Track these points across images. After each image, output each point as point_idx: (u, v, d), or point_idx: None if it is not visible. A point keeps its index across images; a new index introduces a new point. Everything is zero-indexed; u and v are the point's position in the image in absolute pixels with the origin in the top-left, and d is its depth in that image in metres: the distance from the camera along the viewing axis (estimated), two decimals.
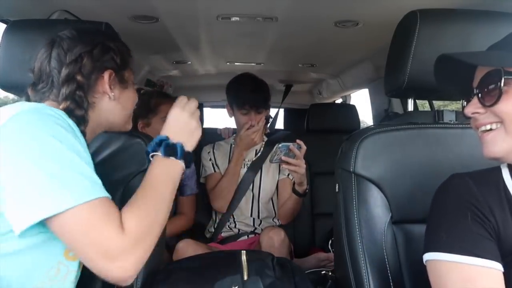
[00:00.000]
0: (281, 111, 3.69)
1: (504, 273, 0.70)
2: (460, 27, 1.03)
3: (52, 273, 0.79)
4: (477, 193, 0.74)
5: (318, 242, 2.21)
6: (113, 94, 0.93)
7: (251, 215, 1.88)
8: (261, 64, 2.48)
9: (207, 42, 1.97)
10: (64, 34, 0.90)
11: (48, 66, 0.88)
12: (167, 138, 0.90)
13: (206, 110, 3.86)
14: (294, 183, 1.74)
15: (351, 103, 3.22)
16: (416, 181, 1.01)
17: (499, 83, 0.70)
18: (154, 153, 0.89)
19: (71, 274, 0.83)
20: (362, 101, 2.93)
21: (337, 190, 1.10)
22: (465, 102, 0.82)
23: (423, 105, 2.55)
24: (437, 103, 2.29)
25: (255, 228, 1.87)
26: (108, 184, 0.83)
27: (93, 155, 1.04)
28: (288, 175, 1.86)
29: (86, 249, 0.71)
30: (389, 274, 0.98)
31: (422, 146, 1.04)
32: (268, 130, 2.85)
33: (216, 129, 2.49)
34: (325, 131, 2.40)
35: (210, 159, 1.94)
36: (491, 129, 0.74)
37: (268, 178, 1.90)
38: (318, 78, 3.06)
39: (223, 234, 1.89)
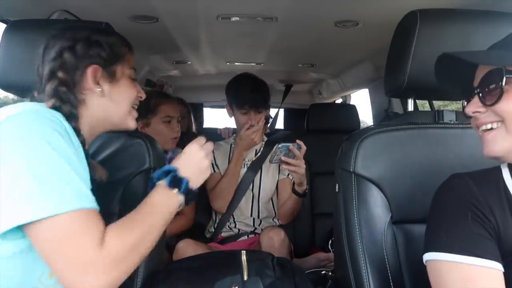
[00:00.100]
0: (281, 111, 3.69)
1: (504, 273, 0.69)
2: (460, 27, 1.03)
3: (44, 277, 0.78)
4: (477, 193, 0.74)
5: (318, 242, 2.21)
6: (99, 90, 0.90)
7: (251, 215, 1.88)
8: (261, 64, 2.49)
9: (207, 42, 1.97)
10: (51, 32, 0.90)
11: (41, 66, 0.89)
12: (176, 170, 0.90)
13: (206, 110, 3.86)
14: (294, 183, 1.75)
15: (351, 103, 3.22)
16: (416, 181, 1.01)
17: (500, 82, 0.70)
18: (160, 181, 0.89)
19: None
20: (362, 101, 2.94)
21: (337, 190, 1.10)
22: (465, 102, 0.82)
23: (423, 105, 2.55)
24: (437, 103, 2.29)
25: (255, 228, 1.87)
26: (108, 184, 0.83)
27: (93, 155, 1.05)
28: (288, 175, 1.86)
29: (59, 261, 0.69)
30: (389, 274, 0.98)
31: (422, 146, 1.04)
32: (268, 130, 2.85)
33: (216, 129, 2.50)
34: (325, 131, 2.40)
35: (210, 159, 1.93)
36: (492, 128, 0.74)
37: (268, 178, 1.90)
38: (318, 78, 3.06)
39: (223, 234, 1.89)
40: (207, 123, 3.86)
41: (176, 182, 0.88)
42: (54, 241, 0.69)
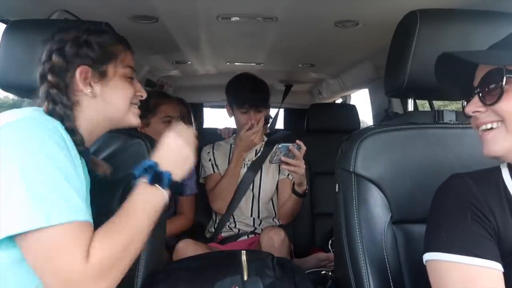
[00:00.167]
0: (281, 111, 3.69)
1: (504, 273, 0.70)
2: (460, 27, 1.03)
3: (41, 287, 0.76)
4: (477, 193, 0.74)
5: (318, 242, 2.21)
6: (89, 91, 0.88)
7: (251, 215, 1.88)
8: (261, 64, 2.48)
9: (207, 42, 1.97)
10: (49, 33, 0.89)
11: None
12: (156, 165, 0.86)
13: (206, 110, 3.86)
14: (293, 184, 1.75)
15: (351, 103, 3.22)
16: (416, 181, 1.01)
17: (500, 82, 0.70)
18: (140, 178, 0.85)
19: None
20: (362, 101, 2.93)
21: (337, 190, 1.10)
22: (465, 102, 0.82)
23: (423, 105, 2.54)
24: (437, 103, 2.29)
25: (255, 228, 1.87)
26: (108, 184, 0.83)
27: (93, 155, 1.05)
28: (288, 175, 1.86)
29: (46, 275, 0.69)
30: (389, 274, 0.98)
31: (422, 146, 1.04)
32: (268, 130, 2.85)
33: (216, 129, 2.50)
34: (325, 131, 2.40)
35: (210, 160, 1.94)
36: (491, 128, 0.74)
37: (268, 178, 1.90)
38: (318, 78, 3.06)
39: (223, 234, 1.89)
40: (207, 123, 3.85)
41: (158, 178, 0.85)
42: (42, 254, 0.68)
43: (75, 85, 0.87)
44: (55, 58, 0.86)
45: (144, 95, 1.00)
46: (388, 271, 0.98)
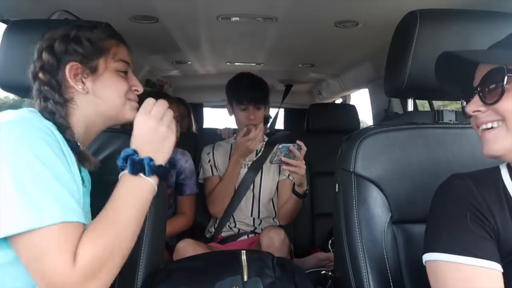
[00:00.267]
0: (281, 111, 3.69)
1: (503, 274, 0.70)
2: (460, 27, 1.03)
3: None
4: (477, 194, 0.74)
5: (318, 242, 2.21)
6: (81, 87, 0.87)
7: (251, 215, 1.88)
8: (261, 64, 2.49)
9: (207, 42, 1.97)
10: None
11: None
12: (134, 153, 0.82)
13: (206, 110, 3.86)
14: (294, 184, 1.75)
15: (351, 103, 3.22)
16: (416, 181, 1.01)
17: (502, 81, 0.70)
18: (121, 170, 0.82)
19: None
20: (362, 101, 2.94)
21: (337, 190, 1.10)
22: (464, 102, 0.82)
23: (423, 105, 2.54)
24: (437, 103, 2.29)
25: (255, 228, 1.88)
26: (108, 184, 0.83)
27: (93, 155, 1.04)
28: (288, 176, 1.87)
29: (35, 276, 0.68)
30: (389, 274, 0.98)
31: (422, 146, 1.04)
32: (268, 130, 2.85)
33: (216, 129, 2.50)
34: (325, 131, 2.40)
35: (209, 161, 1.94)
36: (492, 128, 0.74)
37: (268, 178, 1.90)
38: (318, 78, 3.07)
39: (223, 234, 1.89)
40: (207, 123, 3.86)
41: (138, 165, 0.81)
42: (32, 255, 0.67)
43: (67, 82, 0.86)
44: (45, 56, 0.85)
45: (141, 89, 0.97)
46: (388, 271, 0.98)
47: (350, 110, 2.55)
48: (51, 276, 0.66)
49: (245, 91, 1.84)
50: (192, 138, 2.41)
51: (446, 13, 1.05)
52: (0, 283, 0.73)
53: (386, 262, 0.98)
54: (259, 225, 1.88)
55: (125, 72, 0.94)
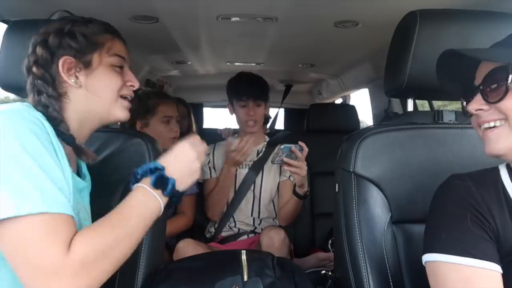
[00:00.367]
0: (281, 111, 3.69)
1: (502, 275, 0.70)
2: (460, 27, 1.03)
3: None
4: (477, 194, 0.74)
5: (318, 242, 2.21)
6: (73, 81, 0.86)
7: (251, 215, 1.88)
8: (261, 64, 2.49)
9: (207, 42, 1.97)
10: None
11: None
12: (163, 169, 0.83)
13: (206, 110, 3.86)
14: (295, 185, 1.74)
15: (351, 103, 3.22)
16: (415, 181, 1.01)
17: (506, 80, 0.69)
18: (142, 179, 0.82)
19: None
20: (362, 101, 2.94)
21: (337, 190, 1.10)
22: (464, 102, 0.82)
23: (423, 105, 2.55)
24: (437, 103, 2.29)
25: (255, 228, 1.88)
26: (108, 184, 0.83)
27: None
28: (289, 176, 1.87)
29: (20, 267, 0.66)
30: (389, 274, 0.98)
31: (422, 146, 1.04)
32: (268, 130, 2.85)
33: (216, 129, 2.50)
34: (325, 131, 2.40)
35: (209, 162, 1.94)
36: (495, 126, 0.73)
37: (269, 179, 1.90)
38: (318, 78, 3.06)
39: (223, 234, 1.89)
40: (207, 123, 3.86)
41: (162, 182, 0.82)
42: (14, 244, 0.65)
43: (60, 77, 0.86)
44: (39, 50, 0.85)
45: (136, 85, 0.96)
46: (388, 271, 0.98)
47: (350, 110, 2.55)
48: (39, 265, 0.64)
49: (245, 87, 1.87)
50: None
51: (446, 13, 1.05)
52: None
53: (386, 262, 0.98)
54: (259, 225, 1.88)
55: (121, 67, 0.93)
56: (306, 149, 1.59)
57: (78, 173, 0.93)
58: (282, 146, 1.55)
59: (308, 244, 2.21)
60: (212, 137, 2.26)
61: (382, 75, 1.15)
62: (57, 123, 0.81)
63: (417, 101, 2.08)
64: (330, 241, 2.01)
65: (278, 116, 3.36)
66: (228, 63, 2.50)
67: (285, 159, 1.57)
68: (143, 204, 0.80)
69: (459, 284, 0.69)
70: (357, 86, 2.80)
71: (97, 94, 0.89)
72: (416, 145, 1.04)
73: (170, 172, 0.84)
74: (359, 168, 1.03)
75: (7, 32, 1.10)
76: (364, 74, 2.41)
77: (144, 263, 1.00)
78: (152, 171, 0.83)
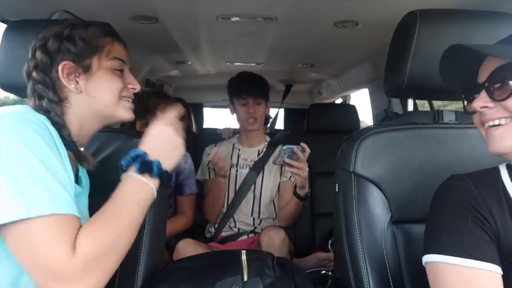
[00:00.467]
0: (281, 111, 3.69)
1: (502, 276, 0.69)
2: (460, 27, 1.03)
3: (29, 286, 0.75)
4: (477, 195, 0.73)
5: (318, 242, 2.21)
6: (73, 86, 0.86)
7: (251, 215, 1.88)
8: (261, 64, 2.49)
9: (207, 42, 1.97)
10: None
11: None
12: (145, 154, 0.83)
13: (206, 110, 3.86)
14: (295, 186, 1.74)
15: (351, 103, 3.22)
16: (415, 181, 1.01)
17: None
18: (124, 169, 0.83)
19: None
20: (362, 101, 2.94)
21: (337, 190, 1.10)
22: (465, 102, 0.81)
23: (423, 105, 2.55)
24: (437, 103, 2.29)
25: (255, 228, 1.88)
26: (108, 184, 0.83)
27: (93, 155, 1.04)
28: (290, 177, 1.87)
29: (31, 268, 0.67)
30: (389, 274, 0.98)
31: (422, 146, 1.04)
32: (268, 130, 2.85)
33: (216, 129, 2.50)
34: (325, 131, 2.40)
35: (209, 163, 1.94)
36: (499, 124, 0.72)
37: (270, 179, 1.90)
38: (318, 78, 3.06)
39: (223, 234, 1.89)
40: (207, 123, 3.86)
41: (146, 166, 0.82)
42: (25, 246, 0.66)
43: (61, 81, 0.86)
44: (38, 54, 0.85)
45: (137, 87, 0.97)
46: (388, 271, 0.98)
47: (350, 110, 2.55)
48: (49, 266, 0.66)
49: (245, 86, 1.88)
50: (192, 138, 2.41)
51: (446, 13, 1.05)
52: None
53: (386, 262, 0.98)
54: (259, 224, 1.88)
55: (121, 70, 0.93)
56: (308, 150, 1.59)
57: (76, 178, 0.93)
58: (284, 147, 1.55)
59: (308, 244, 2.21)
60: (212, 137, 2.26)
61: (382, 75, 1.15)
62: (59, 128, 0.82)
63: (417, 101, 2.08)
64: (330, 241, 2.01)
65: (278, 116, 3.36)
66: (228, 63, 2.50)
67: (287, 160, 1.57)
68: (134, 191, 0.81)
69: (458, 285, 0.69)
70: (357, 86, 2.80)
71: (98, 98, 0.89)
72: (416, 145, 1.04)
73: (152, 155, 0.84)
74: (359, 168, 1.03)
75: (7, 32, 1.10)
76: (364, 74, 2.41)
77: (144, 263, 1.00)
78: (134, 159, 0.83)
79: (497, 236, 0.71)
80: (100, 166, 0.94)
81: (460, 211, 0.73)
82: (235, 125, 2.06)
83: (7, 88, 1.13)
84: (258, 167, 1.90)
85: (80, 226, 0.72)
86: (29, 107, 0.85)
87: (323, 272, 1.23)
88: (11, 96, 1.36)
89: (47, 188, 0.68)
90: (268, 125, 3.04)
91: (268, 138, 2.02)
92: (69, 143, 0.83)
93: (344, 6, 1.40)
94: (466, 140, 1.04)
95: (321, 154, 1.87)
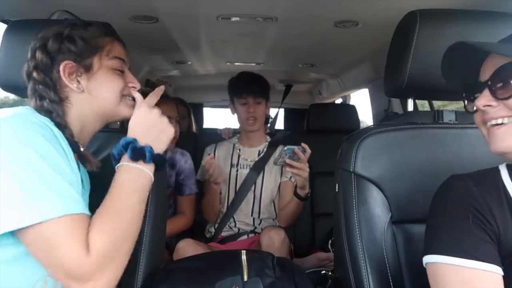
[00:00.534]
0: (281, 111, 3.69)
1: (503, 277, 0.69)
2: (460, 27, 1.03)
3: (38, 285, 0.76)
4: (477, 195, 0.73)
5: (318, 242, 2.21)
6: (75, 86, 0.87)
7: (251, 215, 1.88)
8: (261, 64, 2.49)
9: (207, 42, 1.98)
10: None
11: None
12: (134, 141, 0.84)
13: (206, 110, 3.87)
14: (296, 186, 1.74)
15: (351, 103, 3.22)
16: (415, 181, 1.01)
17: None
18: (116, 159, 0.84)
19: (60, 287, 0.79)
20: (362, 101, 2.94)
21: (337, 190, 1.10)
22: (466, 101, 0.81)
23: (423, 105, 2.55)
24: (437, 103, 2.29)
25: (255, 228, 1.88)
26: (108, 184, 0.83)
27: (93, 155, 1.04)
28: (290, 177, 1.87)
29: (50, 267, 0.69)
30: (389, 274, 0.98)
31: (422, 146, 1.04)
32: (268, 130, 2.85)
33: (216, 129, 2.50)
34: (325, 131, 2.40)
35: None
36: (502, 123, 0.72)
37: (270, 179, 1.90)
38: (318, 78, 3.07)
39: (223, 234, 1.89)
40: (207, 123, 3.86)
41: (138, 152, 0.82)
42: (43, 247, 0.68)
43: (61, 81, 0.86)
44: (38, 55, 0.85)
45: (137, 86, 0.97)
46: (388, 271, 0.98)
47: (350, 110, 2.55)
48: (67, 265, 0.68)
49: (245, 85, 1.89)
50: (192, 138, 2.42)
51: (446, 13, 1.05)
52: (1, 282, 0.73)
53: (386, 262, 0.98)
54: (259, 224, 1.88)
55: (121, 70, 0.94)
56: (308, 151, 1.59)
57: None
58: (285, 148, 1.55)
59: (308, 244, 2.21)
60: (212, 137, 2.27)
61: (382, 75, 1.15)
62: (62, 128, 0.82)
63: (417, 101, 2.08)
64: (330, 241, 2.01)
65: (278, 116, 3.36)
66: (228, 63, 2.51)
67: (288, 161, 1.57)
68: (132, 179, 0.82)
69: (459, 285, 0.69)
70: (357, 86, 2.80)
71: (100, 97, 0.90)
72: (416, 145, 1.04)
73: (142, 140, 0.85)
74: (359, 168, 1.03)
75: (7, 32, 1.10)
76: (364, 74, 2.41)
77: (144, 263, 1.00)
78: (125, 147, 0.83)
79: (498, 237, 0.71)
80: (100, 166, 0.94)
81: (460, 211, 0.73)
82: (235, 125, 2.05)
83: (7, 88, 1.13)
84: (258, 167, 1.90)
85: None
86: (30, 108, 0.85)
87: (323, 272, 1.23)
88: (11, 96, 1.37)
89: (58, 190, 0.70)
90: (268, 125, 3.04)
91: (268, 138, 2.02)
92: (72, 144, 0.83)
93: (344, 6, 1.40)
94: (466, 140, 1.04)
95: (321, 154, 1.87)
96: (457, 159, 1.02)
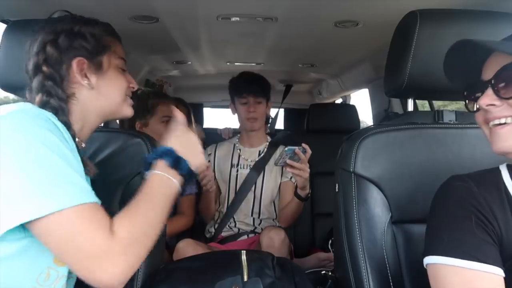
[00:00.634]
0: (281, 111, 3.69)
1: (504, 278, 0.68)
2: (460, 27, 1.03)
3: (42, 278, 0.77)
4: (478, 195, 0.72)
5: (318, 242, 2.21)
6: (87, 82, 0.87)
7: (251, 215, 1.88)
8: (261, 64, 2.49)
9: (207, 42, 1.97)
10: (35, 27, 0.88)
11: (28, 62, 0.87)
12: (174, 151, 0.88)
13: (206, 110, 3.87)
14: (296, 187, 1.74)
15: (351, 103, 3.22)
16: (416, 181, 1.01)
17: None
18: (148, 167, 0.86)
19: (62, 279, 0.80)
20: (362, 101, 2.94)
21: (337, 190, 1.10)
22: (467, 99, 0.81)
23: (423, 105, 2.55)
24: (437, 103, 2.29)
25: (255, 228, 1.87)
26: (108, 184, 0.83)
27: (93, 155, 1.05)
28: (291, 178, 1.87)
29: (73, 254, 0.69)
30: (389, 274, 0.98)
31: (422, 146, 1.04)
32: (268, 130, 2.85)
33: (216, 129, 2.50)
34: (325, 131, 2.40)
35: (209, 162, 1.94)
36: (505, 123, 0.71)
37: (270, 179, 1.90)
38: (318, 78, 3.06)
39: (223, 234, 1.89)
40: (207, 123, 3.86)
41: (177, 162, 0.86)
42: (65, 235, 0.69)
43: (72, 77, 0.86)
44: (49, 49, 0.85)
45: (136, 87, 1.00)
46: (388, 271, 0.98)
47: (350, 110, 2.55)
48: (93, 247, 0.69)
49: (245, 85, 1.90)
50: None
51: (446, 13, 1.05)
52: (5, 277, 0.73)
53: (386, 262, 0.98)
54: (259, 224, 1.88)
55: (124, 70, 0.96)
56: (309, 151, 1.59)
57: None
58: (286, 148, 1.55)
59: (308, 244, 2.21)
60: (212, 137, 2.27)
61: (382, 75, 1.15)
62: (67, 127, 0.82)
63: (417, 101, 2.08)
64: (330, 241, 2.01)
65: (278, 116, 3.36)
66: (228, 63, 2.51)
67: (288, 161, 1.57)
68: (165, 183, 0.84)
69: (459, 287, 0.68)
70: (357, 86, 2.80)
71: (108, 95, 0.92)
72: (416, 145, 1.04)
73: (179, 153, 0.88)
74: (359, 168, 1.03)
75: (7, 32, 1.10)
76: (364, 74, 2.41)
77: (144, 263, 1.00)
78: (163, 154, 0.87)
79: (500, 238, 0.71)
80: (100, 166, 0.94)
81: (462, 212, 0.72)
82: (235, 125, 2.06)
83: (7, 88, 1.13)
84: (258, 167, 1.89)
85: (104, 211, 0.75)
86: (30, 103, 0.84)
87: (323, 272, 1.23)
88: (11, 96, 1.37)
89: (69, 180, 0.71)
90: (268, 125, 3.04)
91: (269, 138, 2.02)
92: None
93: (344, 6, 1.40)
94: (466, 140, 1.04)
95: (321, 154, 1.87)
96: (457, 159, 1.02)
